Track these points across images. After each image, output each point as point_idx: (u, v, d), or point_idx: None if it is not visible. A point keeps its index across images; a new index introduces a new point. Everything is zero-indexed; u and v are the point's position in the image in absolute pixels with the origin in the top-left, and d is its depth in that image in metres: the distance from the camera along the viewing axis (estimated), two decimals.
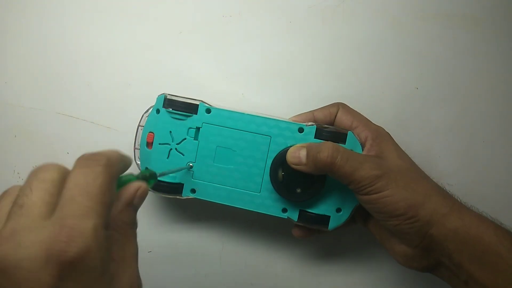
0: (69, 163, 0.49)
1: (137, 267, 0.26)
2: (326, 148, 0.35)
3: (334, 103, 0.42)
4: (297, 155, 0.37)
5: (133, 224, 0.26)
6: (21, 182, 0.48)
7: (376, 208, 0.36)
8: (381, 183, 0.34)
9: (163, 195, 0.41)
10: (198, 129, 0.39)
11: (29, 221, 0.21)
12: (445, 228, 0.34)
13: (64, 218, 0.21)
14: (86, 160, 0.24)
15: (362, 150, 0.39)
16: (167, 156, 0.40)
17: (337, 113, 0.41)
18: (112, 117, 0.47)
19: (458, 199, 0.36)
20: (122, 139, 0.47)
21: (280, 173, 0.38)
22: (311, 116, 0.41)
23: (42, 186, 0.23)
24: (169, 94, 0.40)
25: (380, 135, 0.39)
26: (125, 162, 0.26)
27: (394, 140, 0.40)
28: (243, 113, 0.39)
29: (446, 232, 0.34)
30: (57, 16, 0.47)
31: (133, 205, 0.26)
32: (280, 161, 0.38)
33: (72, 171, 0.23)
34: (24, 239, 0.21)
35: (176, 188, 0.40)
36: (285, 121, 0.39)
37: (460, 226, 0.34)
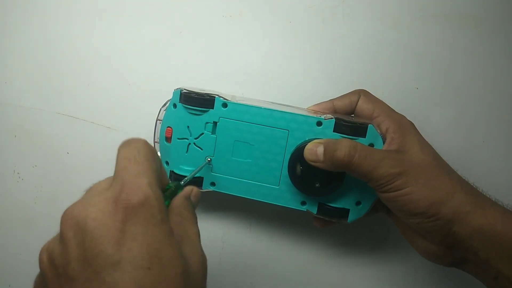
0: (69, 163, 0.49)
1: (200, 244, 0.28)
2: (343, 147, 0.34)
3: (356, 90, 0.41)
4: (315, 151, 0.36)
5: (193, 213, 0.29)
6: (21, 182, 0.48)
7: (396, 206, 0.35)
8: (401, 181, 0.34)
9: None
10: (215, 123, 0.39)
11: (95, 192, 0.27)
12: (469, 226, 0.33)
13: (122, 180, 0.25)
14: (127, 141, 0.29)
15: (384, 142, 0.38)
16: (186, 150, 0.40)
17: (358, 101, 0.40)
18: (112, 117, 0.47)
19: (483, 192, 0.35)
20: (122, 139, 0.47)
21: (299, 168, 0.38)
22: (331, 105, 0.40)
23: None
24: (184, 89, 0.40)
25: (402, 126, 0.38)
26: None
27: (417, 131, 0.38)
28: (260, 107, 0.38)
29: (470, 230, 0.33)
30: (58, 16, 0.47)
31: (190, 200, 0.30)
32: (298, 155, 0.38)
33: (118, 151, 0.29)
34: (92, 200, 0.25)
35: (196, 181, 0.40)
36: (303, 115, 0.38)
37: (485, 223, 0.33)
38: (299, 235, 0.48)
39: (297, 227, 0.48)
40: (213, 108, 0.39)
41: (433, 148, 0.38)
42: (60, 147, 0.48)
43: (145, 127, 0.46)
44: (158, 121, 0.42)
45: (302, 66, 0.46)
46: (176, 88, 0.40)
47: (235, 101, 0.39)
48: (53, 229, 0.49)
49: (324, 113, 0.40)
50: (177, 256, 0.24)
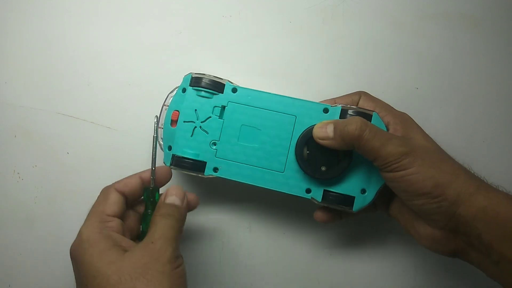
0: (69, 163, 0.49)
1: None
2: (355, 121, 0.35)
3: (356, 91, 0.42)
4: (324, 129, 0.37)
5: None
6: (21, 182, 0.48)
7: (401, 187, 0.35)
8: (408, 160, 0.34)
9: (185, 172, 0.41)
10: (223, 107, 0.40)
11: None
12: (473, 207, 0.33)
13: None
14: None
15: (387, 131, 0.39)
16: (191, 134, 0.40)
17: (358, 101, 0.41)
18: (112, 117, 0.47)
19: (485, 180, 0.36)
20: (122, 139, 0.47)
21: (305, 151, 0.38)
22: (333, 102, 0.41)
23: None
24: (195, 73, 0.40)
25: (404, 119, 0.39)
26: None
27: (418, 125, 0.39)
28: (269, 93, 0.40)
29: (474, 212, 0.33)
30: (57, 16, 0.47)
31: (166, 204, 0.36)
32: (305, 138, 0.38)
33: None
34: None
35: (199, 165, 0.40)
36: (311, 102, 0.39)
37: (489, 204, 0.33)
38: (299, 235, 0.48)
39: (297, 227, 0.48)
40: (222, 93, 0.40)
41: (434, 141, 0.39)
42: (60, 147, 0.48)
43: (145, 127, 0.46)
44: (164, 106, 0.42)
45: (302, 66, 0.47)
46: (187, 73, 0.41)
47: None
48: (53, 229, 0.49)
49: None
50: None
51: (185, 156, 0.40)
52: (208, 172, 0.40)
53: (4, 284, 0.49)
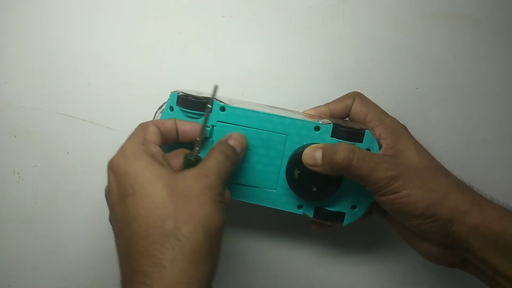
0: (69, 163, 0.49)
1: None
2: (342, 150, 0.35)
3: (350, 93, 0.41)
4: (313, 156, 0.36)
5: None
6: (21, 182, 0.48)
7: (394, 209, 0.35)
8: (398, 184, 0.34)
9: None
10: (212, 127, 0.39)
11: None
12: (466, 225, 0.33)
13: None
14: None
15: (380, 148, 0.38)
16: None
17: (352, 104, 0.40)
18: (112, 117, 0.47)
19: (478, 192, 0.36)
20: (122, 139, 0.47)
21: (296, 172, 0.38)
22: (326, 109, 0.41)
23: None
24: (181, 92, 0.39)
25: (395, 131, 0.38)
26: None
27: (410, 134, 0.39)
28: (258, 112, 0.38)
29: (467, 229, 0.33)
30: (57, 16, 0.47)
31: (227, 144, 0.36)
32: (296, 160, 0.38)
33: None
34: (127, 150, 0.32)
35: None
36: (301, 120, 0.38)
37: (481, 221, 0.33)
38: (299, 235, 0.48)
39: (297, 227, 0.48)
40: (211, 112, 0.38)
41: (427, 151, 0.38)
42: (60, 147, 0.48)
43: None
44: None
45: (302, 66, 0.46)
46: (173, 90, 0.40)
47: (232, 105, 0.39)
48: (53, 229, 0.49)
49: (320, 117, 0.40)
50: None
51: None
52: None
53: (4, 284, 0.49)
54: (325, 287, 0.48)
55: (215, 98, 0.38)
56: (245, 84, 0.46)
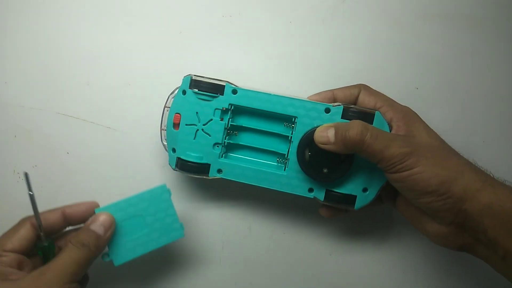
0: (69, 163, 0.49)
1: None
2: (356, 126, 0.35)
3: (356, 84, 0.41)
4: (325, 134, 0.36)
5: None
6: (21, 182, 0.48)
7: (407, 187, 0.35)
8: (412, 160, 0.34)
9: (190, 175, 0.41)
10: (224, 110, 0.40)
11: None
12: (479, 203, 0.33)
13: None
14: None
15: (390, 130, 0.38)
16: (193, 137, 0.40)
17: (358, 95, 0.40)
18: (112, 117, 0.47)
19: (491, 174, 0.35)
20: (122, 139, 0.47)
21: (307, 153, 0.38)
22: (331, 94, 0.41)
23: None
24: (194, 75, 0.40)
25: (407, 114, 0.39)
26: None
27: (422, 119, 0.39)
28: (270, 94, 0.39)
29: (480, 207, 0.33)
30: (57, 16, 0.47)
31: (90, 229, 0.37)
32: (307, 141, 0.38)
33: None
34: None
35: (203, 168, 0.41)
36: (312, 102, 0.39)
37: (495, 200, 0.33)
38: (298, 235, 0.48)
39: (297, 227, 0.48)
40: (222, 95, 0.39)
41: (438, 135, 0.38)
42: (60, 147, 0.48)
43: (145, 127, 0.46)
44: (166, 108, 0.42)
45: (302, 66, 0.46)
46: (186, 74, 0.40)
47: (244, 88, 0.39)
48: None
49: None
50: None
51: (189, 160, 0.40)
52: (213, 174, 0.41)
53: None
54: (325, 285, 0.48)
55: (228, 82, 0.39)
56: (245, 84, 0.46)
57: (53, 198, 0.48)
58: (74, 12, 0.46)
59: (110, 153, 0.47)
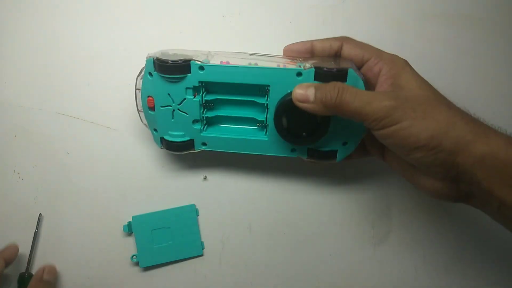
0: (69, 163, 0.49)
1: None
2: (333, 87, 0.34)
3: (338, 37, 0.40)
4: (305, 92, 0.35)
5: None
6: (21, 182, 0.48)
7: (395, 142, 0.33)
8: (398, 114, 0.32)
9: (178, 153, 0.42)
10: (195, 87, 0.39)
11: None
12: (471, 155, 0.31)
13: None
14: None
15: (365, 85, 0.37)
16: (171, 116, 0.40)
17: (341, 49, 0.39)
18: (112, 117, 0.47)
19: (484, 122, 0.34)
20: (122, 139, 0.47)
21: (284, 120, 0.38)
22: (309, 45, 0.40)
23: None
24: (157, 58, 0.38)
25: (396, 65, 0.37)
26: None
27: (412, 68, 0.37)
28: (238, 66, 0.38)
29: (472, 160, 0.31)
30: (57, 16, 0.47)
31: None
32: (282, 108, 0.37)
33: None
34: None
35: (188, 144, 0.41)
36: (282, 68, 0.38)
37: (487, 151, 0.31)
38: (298, 236, 0.48)
39: (297, 227, 0.48)
40: (190, 73, 0.38)
41: (430, 84, 0.36)
42: (60, 147, 0.48)
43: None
44: (137, 90, 0.41)
45: None
46: (149, 55, 0.39)
47: (211, 62, 0.39)
48: (53, 229, 0.49)
49: (303, 58, 0.40)
50: None
51: (173, 140, 0.41)
52: (198, 147, 0.42)
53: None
54: (325, 285, 0.48)
55: (192, 58, 0.38)
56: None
57: (53, 198, 0.48)
58: (74, 12, 0.46)
59: (110, 153, 0.47)
